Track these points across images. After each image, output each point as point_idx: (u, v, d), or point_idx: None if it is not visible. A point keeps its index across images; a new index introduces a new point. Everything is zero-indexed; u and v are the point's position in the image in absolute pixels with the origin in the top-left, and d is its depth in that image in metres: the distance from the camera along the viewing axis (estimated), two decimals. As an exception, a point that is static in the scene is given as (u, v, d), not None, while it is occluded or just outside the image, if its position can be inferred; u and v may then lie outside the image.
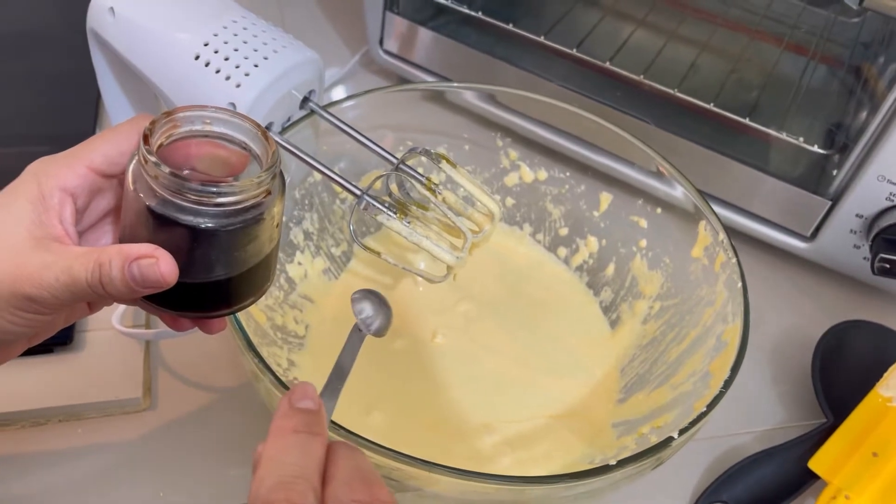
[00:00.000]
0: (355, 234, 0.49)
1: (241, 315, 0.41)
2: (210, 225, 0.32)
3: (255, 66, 0.46)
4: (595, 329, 0.56)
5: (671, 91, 0.63)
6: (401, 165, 0.49)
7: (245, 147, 0.35)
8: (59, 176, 0.34)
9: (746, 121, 0.61)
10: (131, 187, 0.33)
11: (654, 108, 0.64)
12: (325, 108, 0.50)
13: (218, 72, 0.46)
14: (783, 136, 0.60)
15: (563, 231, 0.59)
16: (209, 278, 0.34)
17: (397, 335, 0.54)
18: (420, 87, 0.57)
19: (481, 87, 0.57)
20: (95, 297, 0.33)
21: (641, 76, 0.64)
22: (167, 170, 0.31)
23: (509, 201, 0.60)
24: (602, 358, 0.54)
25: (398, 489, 0.41)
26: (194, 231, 0.32)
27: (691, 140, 0.62)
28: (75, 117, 0.66)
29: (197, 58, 0.46)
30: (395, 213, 0.45)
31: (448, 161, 0.49)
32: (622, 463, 0.38)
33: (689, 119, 0.64)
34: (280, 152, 0.35)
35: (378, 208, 0.45)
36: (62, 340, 0.51)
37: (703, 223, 0.50)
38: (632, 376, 0.52)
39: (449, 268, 0.47)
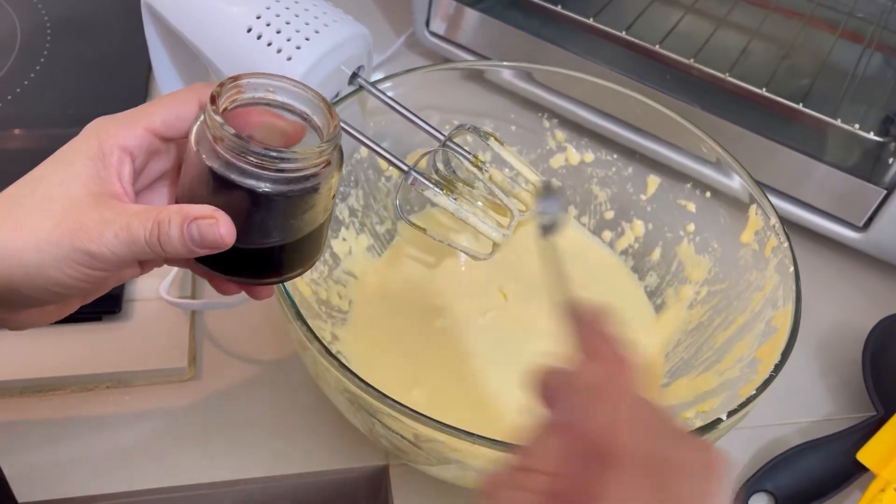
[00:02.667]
0: (401, 209, 0.49)
1: (288, 285, 0.41)
2: (269, 190, 0.33)
3: (307, 39, 0.47)
4: (639, 313, 0.55)
5: (722, 76, 0.62)
6: (448, 142, 0.49)
7: (306, 118, 0.35)
8: (118, 135, 0.34)
9: (800, 106, 0.60)
10: (194, 148, 0.33)
11: (702, 93, 0.63)
12: (372, 84, 0.50)
13: (269, 45, 0.46)
14: (838, 122, 0.59)
15: (609, 214, 0.59)
16: (263, 244, 0.35)
17: (439, 314, 0.54)
18: (461, 66, 0.56)
19: (524, 66, 0.56)
20: (152, 255, 0.33)
21: (691, 60, 0.63)
22: (232, 131, 0.32)
23: (554, 183, 0.59)
24: (646, 342, 0.53)
25: (440, 461, 0.41)
26: (253, 195, 0.32)
27: (741, 125, 0.61)
28: (126, 99, 0.67)
29: (249, 30, 0.46)
30: (441, 190, 0.45)
31: (496, 139, 0.49)
32: (669, 443, 0.37)
33: (738, 105, 0.63)
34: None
35: (425, 184, 0.45)
36: (111, 309, 0.52)
37: (753, 207, 0.49)
38: (676, 361, 0.51)
39: (494, 245, 0.47)
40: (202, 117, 0.33)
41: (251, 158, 0.32)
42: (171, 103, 0.35)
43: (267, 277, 0.37)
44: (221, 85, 0.34)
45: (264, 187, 0.32)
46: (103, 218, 0.32)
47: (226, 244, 0.33)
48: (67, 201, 0.33)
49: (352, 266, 0.54)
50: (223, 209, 0.33)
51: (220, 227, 0.32)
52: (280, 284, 0.41)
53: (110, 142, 0.34)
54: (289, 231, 0.35)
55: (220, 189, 0.33)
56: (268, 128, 0.36)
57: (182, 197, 0.35)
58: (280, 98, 0.35)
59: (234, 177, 0.32)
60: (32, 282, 0.33)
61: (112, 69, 0.70)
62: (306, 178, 0.33)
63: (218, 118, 0.32)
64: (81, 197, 0.33)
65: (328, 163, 0.34)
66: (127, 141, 0.34)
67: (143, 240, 0.32)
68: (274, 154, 0.32)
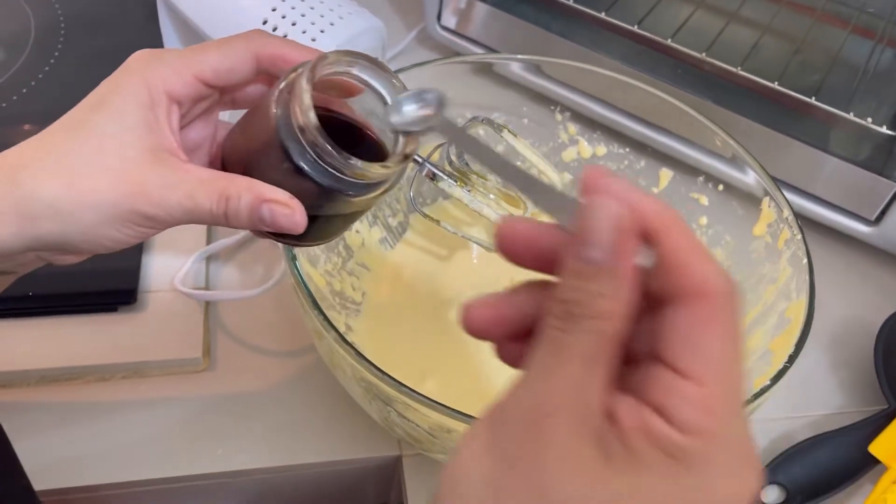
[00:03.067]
0: (414, 201, 0.49)
1: (304, 276, 0.42)
2: (336, 186, 0.32)
3: (322, 31, 0.47)
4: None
5: (734, 69, 0.62)
6: (462, 134, 0.49)
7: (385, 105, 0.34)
8: (168, 80, 0.32)
9: (812, 100, 0.60)
10: (271, 121, 0.32)
11: (713, 87, 0.63)
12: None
13: (285, 37, 0.47)
14: (850, 116, 0.59)
15: (621, 207, 0.59)
16: (314, 217, 0.34)
17: (451, 306, 0.54)
18: (471, 59, 0.56)
19: (534, 59, 0.56)
20: (212, 223, 0.33)
21: (703, 54, 0.63)
22: (328, 145, 0.31)
23: (567, 177, 0.60)
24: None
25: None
26: (319, 186, 0.32)
27: (752, 119, 0.61)
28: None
29: (265, 22, 0.47)
30: (455, 181, 0.46)
31: (509, 131, 0.49)
32: (683, 432, 0.37)
33: (749, 99, 0.63)
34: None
35: (439, 175, 0.46)
36: (126, 300, 0.53)
37: (766, 200, 0.49)
38: (688, 354, 0.51)
39: (508, 237, 0.47)
40: (282, 86, 0.32)
41: (332, 163, 0.31)
42: (226, 53, 0.34)
43: (306, 242, 0.37)
44: (314, 68, 0.31)
45: (332, 184, 0.32)
46: (166, 182, 0.31)
47: (298, 232, 0.33)
48: (124, 158, 0.31)
49: (365, 258, 0.55)
50: (283, 184, 0.32)
51: (295, 216, 0.32)
52: (297, 275, 0.41)
53: (160, 88, 0.32)
54: (339, 214, 0.35)
55: (286, 168, 0.32)
56: (336, 87, 0.34)
57: (237, 152, 0.34)
58: (367, 78, 0.34)
59: (308, 168, 0.32)
60: (85, 238, 0.32)
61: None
62: (374, 184, 0.33)
63: (313, 120, 0.31)
64: (138, 154, 0.32)
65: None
66: (176, 88, 0.33)
67: (208, 212, 0.32)
68: (358, 167, 0.31)
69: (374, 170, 0.32)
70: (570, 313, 0.21)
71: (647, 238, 0.22)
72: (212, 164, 0.38)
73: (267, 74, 0.35)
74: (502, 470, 0.21)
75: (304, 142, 0.31)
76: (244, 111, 0.36)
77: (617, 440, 0.21)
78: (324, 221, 0.35)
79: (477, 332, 0.25)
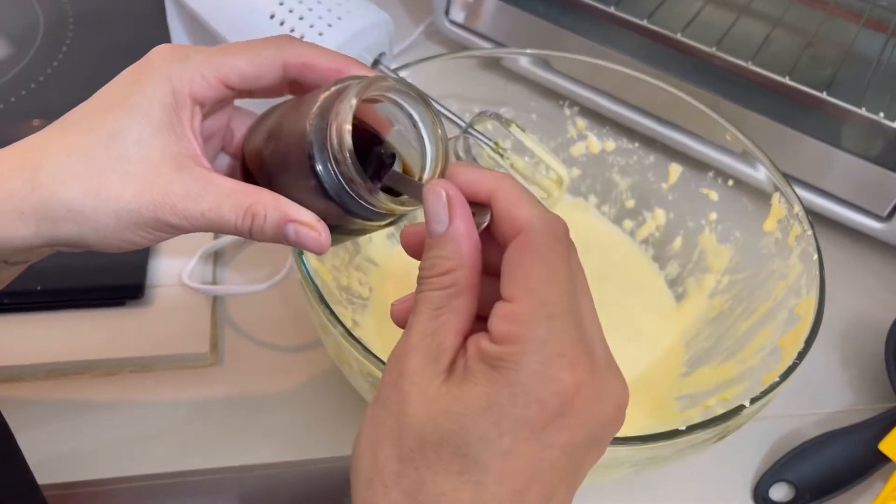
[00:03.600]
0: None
1: (311, 272, 0.41)
2: (359, 213, 0.32)
3: (329, 25, 0.47)
4: (659, 303, 0.55)
5: (744, 64, 0.61)
6: (469, 129, 0.49)
7: (416, 131, 0.34)
8: (193, 82, 0.32)
9: (823, 95, 0.59)
10: (306, 138, 0.31)
11: (724, 82, 0.63)
12: (394, 71, 0.50)
13: (292, 31, 0.47)
14: (862, 111, 0.58)
15: (630, 203, 0.59)
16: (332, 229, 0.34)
17: (459, 301, 0.54)
18: (478, 54, 0.56)
19: (542, 53, 0.56)
20: (234, 234, 0.32)
21: (713, 48, 0.63)
22: (362, 181, 0.31)
23: (575, 172, 0.59)
24: (666, 331, 0.53)
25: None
26: (344, 209, 0.32)
27: (763, 114, 0.61)
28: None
29: (272, 17, 0.47)
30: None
31: (517, 125, 0.49)
32: (691, 428, 0.37)
33: (760, 94, 0.62)
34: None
35: (447, 170, 0.45)
36: (133, 295, 0.53)
37: (776, 195, 0.49)
38: (697, 350, 0.51)
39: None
40: (318, 106, 0.31)
41: (361, 194, 0.31)
42: (254, 59, 0.33)
43: None
44: (359, 93, 0.30)
45: (356, 210, 0.32)
46: (190, 193, 0.31)
47: (322, 253, 0.33)
48: (147, 165, 0.31)
49: (372, 253, 0.54)
50: (307, 202, 0.32)
51: (321, 238, 0.32)
52: (304, 270, 0.41)
53: (184, 91, 0.32)
54: (355, 230, 0.35)
55: (313, 189, 0.32)
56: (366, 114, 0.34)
57: (262, 157, 0.34)
58: (401, 101, 0.33)
59: (335, 195, 0.31)
60: (104, 240, 0.32)
61: (133, 59, 0.70)
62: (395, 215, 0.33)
63: (349, 155, 0.30)
64: (162, 161, 0.31)
65: None
66: (200, 91, 0.32)
67: (232, 225, 0.32)
68: (383, 202, 0.31)
69: (398, 206, 0.32)
70: (422, 278, 0.27)
71: (485, 202, 0.27)
72: (229, 153, 0.38)
73: (290, 82, 0.35)
74: (377, 407, 0.27)
75: (336, 171, 0.31)
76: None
77: (462, 367, 0.25)
78: (338, 233, 0.35)
79: (402, 323, 0.30)
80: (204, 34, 0.51)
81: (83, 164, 0.31)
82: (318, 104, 0.31)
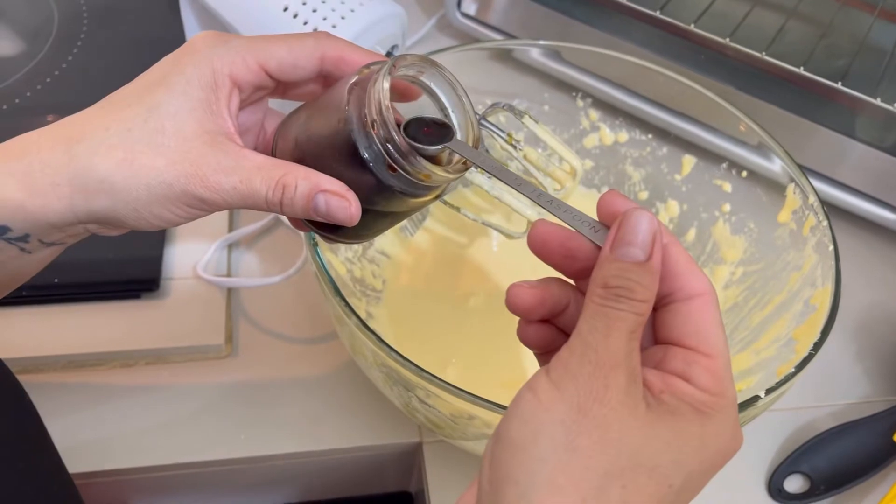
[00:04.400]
0: (435, 188, 0.49)
1: (325, 263, 0.42)
2: (395, 185, 0.32)
3: (342, 18, 0.47)
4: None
5: (759, 55, 0.61)
6: (482, 121, 0.49)
7: (445, 117, 0.35)
8: (234, 65, 0.32)
9: (838, 85, 0.59)
10: (343, 106, 0.31)
11: (737, 74, 0.63)
12: (408, 62, 0.50)
13: (305, 23, 0.47)
14: (877, 101, 0.58)
15: (643, 195, 0.58)
16: (364, 211, 0.34)
17: (472, 294, 0.54)
18: (490, 46, 0.56)
19: (552, 45, 0.56)
20: (266, 209, 0.33)
21: (727, 39, 0.62)
22: (403, 141, 0.31)
23: (588, 164, 0.59)
24: (679, 323, 0.53)
25: (475, 437, 0.42)
26: (378, 182, 0.32)
27: (777, 105, 0.60)
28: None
29: (285, 10, 0.47)
30: (476, 168, 0.45)
31: (530, 117, 0.49)
32: (706, 419, 0.37)
33: (774, 85, 0.62)
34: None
35: (460, 161, 0.45)
36: (149, 287, 0.53)
37: (791, 186, 0.49)
38: (711, 342, 0.51)
39: (528, 223, 0.47)
40: (355, 80, 0.32)
41: (399, 160, 0.31)
42: (294, 48, 0.34)
43: (349, 239, 0.37)
44: (394, 66, 0.32)
45: (393, 182, 0.32)
46: (221, 166, 0.31)
47: (353, 224, 0.33)
48: (181, 138, 0.31)
49: (385, 246, 0.55)
50: (342, 176, 0.32)
51: (351, 209, 0.32)
52: (319, 262, 0.41)
53: (224, 71, 0.32)
54: (388, 212, 0.35)
55: (349, 161, 0.32)
56: (397, 91, 0.35)
57: (293, 142, 0.34)
58: (433, 86, 0.34)
59: (372, 163, 0.31)
60: (136, 214, 0.32)
61: (147, 54, 0.70)
62: (430, 187, 0.33)
63: (391, 115, 0.31)
64: (196, 135, 0.32)
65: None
66: (240, 74, 0.33)
67: (263, 198, 0.32)
68: (423, 167, 0.32)
69: (437, 172, 0.32)
70: (618, 295, 0.27)
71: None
72: (261, 150, 0.38)
73: (325, 75, 0.35)
74: (575, 414, 0.25)
75: (374, 134, 0.31)
76: (292, 102, 0.36)
77: (652, 398, 0.26)
78: (371, 218, 0.35)
79: (520, 310, 0.31)
80: (217, 28, 0.52)
81: (119, 136, 0.31)
82: (355, 77, 0.32)
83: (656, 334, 0.28)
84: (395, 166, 0.32)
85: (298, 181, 0.32)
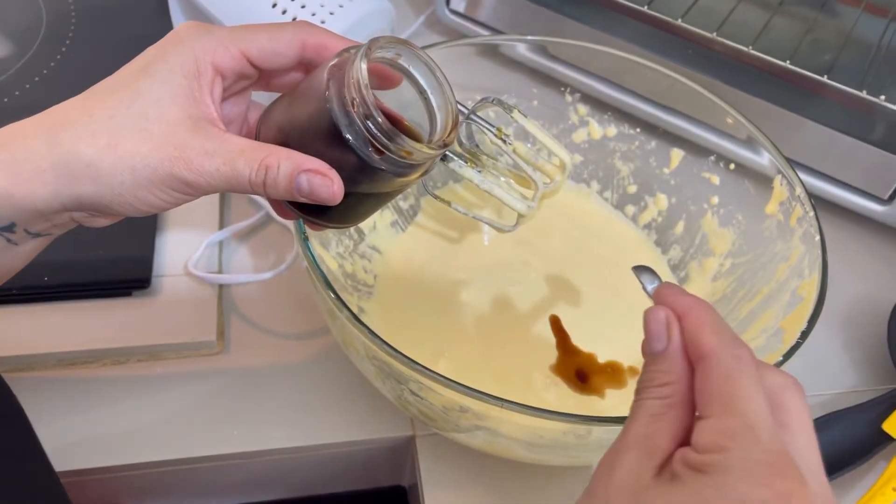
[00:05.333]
0: (425, 183, 0.49)
1: (316, 258, 0.42)
2: (378, 165, 0.33)
3: (331, 13, 0.47)
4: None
5: (745, 49, 0.62)
6: (471, 115, 0.49)
7: (424, 98, 0.35)
8: (216, 53, 0.33)
9: (824, 79, 0.60)
10: (323, 88, 0.32)
11: (724, 68, 0.63)
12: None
13: (294, 19, 0.47)
14: (863, 94, 0.59)
15: (632, 188, 0.59)
16: (347, 200, 0.35)
17: (463, 288, 0.54)
18: (476, 41, 0.56)
19: (539, 40, 0.56)
20: (250, 191, 0.33)
21: (714, 34, 0.63)
22: (382, 119, 0.31)
23: (577, 158, 0.60)
24: (669, 315, 0.54)
25: (468, 429, 0.42)
26: (361, 162, 0.33)
27: (764, 99, 0.61)
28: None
29: (274, 6, 0.47)
30: (465, 162, 0.46)
31: (520, 111, 0.49)
32: (696, 407, 0.37)
33: (761, 80, 0.63)
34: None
35: (450, 156, 0.46)
36: (140, 284, 0.53)
37: (778, 178, 0.49)
38: (700, 333, 0.51)
39: (519, 217, 0.47)
40: (334, 62, 0.33)
41: (380, 138, 0.32)
42: (275, 37, 0.34)
43: (335, 223, 0.38)
44: (371, 49, 0.32)
45: (375, 160, 0.33)
46: (205, 149, 0.32)
47: (335, 203, 0.33)
48: (165, 123, 0.32)
49: (376, 241, 0.55)
50: (325, 156, 0.33)
51: (333, 187, 0.33)
52: (309, 256, 0.41)
53: (207, 59, 0.33)
54: (372, 194, 0.35)
55: (332, 141, 0.32)
56: (377, 76, 0.36)
57: (276, 127, 0.35)
58: (416, 74, 0.35)
59: (354, 141, 0.32)
60: (121, 199, 0.32)
61: (136, 53, 0.70)
62: (413, 165, 0.34)
63: (370, 94, 0.31)
64: (179, 120, 0.32)
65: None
66: (223, 62, 0.33)
67: (247, 179, 0.32)
68: (404, 144, 0.32)
69: (419, 149, 0.33)
70: (641, 388, 0.29)
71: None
72: None
73: (306, 64, 0.36)
74: (585, 498, 0.28)
75: (355, 115, 0.32)
76: (275, 94, 0.37)
77: (670, 472, 0.26)
78: (356, 200, 0.35)
79: None
80: (203, 18, 0.52)
81: (103, 123, 0.32)
82: (334, 60, 0.33)
83: None
84: (377, 144, 0.32)
85: (281, 161, 0.32)
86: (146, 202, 0.33)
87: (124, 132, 0.32)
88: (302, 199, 0.33)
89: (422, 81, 0.35)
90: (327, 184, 0.33)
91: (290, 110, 0.34)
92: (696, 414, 0.27)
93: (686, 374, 0.28)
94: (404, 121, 0.37)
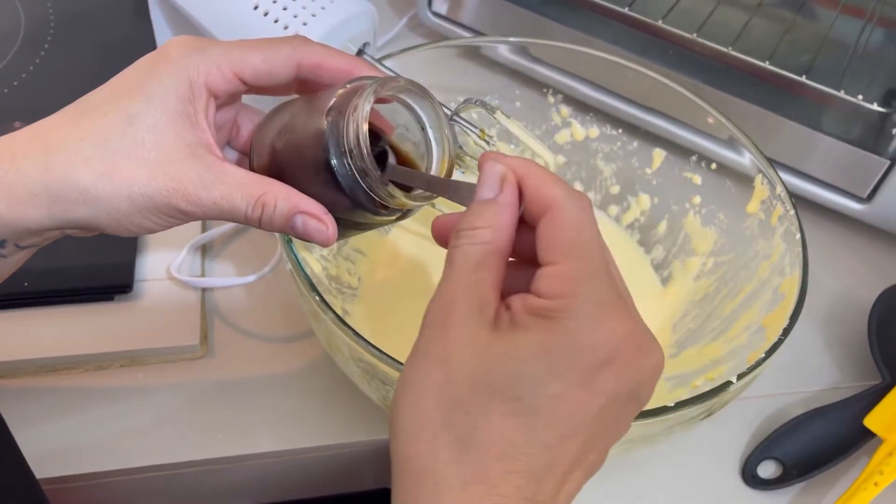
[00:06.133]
0: (409, 185, 0.49)
1: (300, 260, 0.42)
2: (369, 208, 0.33)
3: (313, 15, 0.47)
4: (646, 286, 0.56)
5: (725, 49, 0.62)
6: (455, 117, 0.49)
7: (422, 130, 0.35)
8: (209, 74, 0.33)
9: (803, 79, 0.60)
10: (322, 129, 0.32)
11: (705, 69, 0.64)
12: (378, 60, 0.50)
13: (276, 21, 0.47)
14: (841, 94, 0.59)
15: (615, 189, 0.59)
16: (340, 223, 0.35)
17: (448, 289, 0.54)
18: (457, 43, 0.56)
19: (520, 41, 0.56)
20: (244, 223, 0.33)
21: (694, 35, 0.63)
22: (377, 175, 0.32)
23: (560, 159, 0.60)
24: (652, 314, 0.54)
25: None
26: (353, 201, 0.33)
27: (744, 99, 0.62)
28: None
29: (255, 7, 0.47)
30: (449, 163, 0.46)
31: (503, 113, 0.49)
32: (680, 405, 0.38)
33: (741, 80, 0.63)
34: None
35: (433, 157, 0.46)
36: (122, 289, 0.53)
37: (759, 177, 0.50)
38: (684, 332, 0.52)
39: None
40: (333, 103, 0.32)
41: (373, 187, 0.32)
42: (269, 57, 0.34)
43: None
44: (375, 91, 0.32)
45: (366, 204, 0.33)
46: (203, 180, 0.32)
47: (328, 246, 0.34)
48: (162, 151, 0.32)
49: (360, 244, 0.55)
50: (315, 192, 0.33)
51: (328, 232, 0.33)
52: (293, 258, 0.41)
53: (200, 81, 0.32)
54: (360, 223, 0.36)
55: (324, 181, 0.32)
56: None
57: (271, 152, 0.34)
58: (411, 103, 0.34)
59: (346, 187, 0.32)
60: (117, 223, 0.32)
61: (116, 57, 0.70)
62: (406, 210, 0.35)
63: (366, 148, 0.31)
64: (177, 148, 0.32)
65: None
66: (216, 84, 0.33)
67: (243, 213, 0.32)
68: (395, 197, 0.32)
69: (410, 203, 0.33)
70: (457, 234, 0.28)
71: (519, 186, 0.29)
72: (236, 147, 0.39)
73: (301, 80, 0.35)
74: (417, 360, 0.27)
75: (351, 163, 0.32)
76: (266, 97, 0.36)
77: (508, 319, 0.27)
78: (344, 229, 0.36)
79: (443, 240, 0.32)
80: (188, 28, 0.51)
81: (97, 147, 0.31)
82: (333, 100, 0.32)
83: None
84: (371, 194, 0.32)
85: (278, 201, 0.32)
86: (140, 226, 0.33)
87: (119, 159, 0.31)
88: (295, 237, 0.34)
89: (422, 115, 0.35)
90: (322, 229, 0.33)
91: (286, 139, 0.34)
92: (537, 262, 0.27)
93: (509, 224, 0.28)
94: (395, 135, 0.36)
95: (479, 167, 0.30)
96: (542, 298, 0.26)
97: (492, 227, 0.28)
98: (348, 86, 0.33)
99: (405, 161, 0.36)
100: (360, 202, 0.33)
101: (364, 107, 0.31)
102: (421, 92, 0.34)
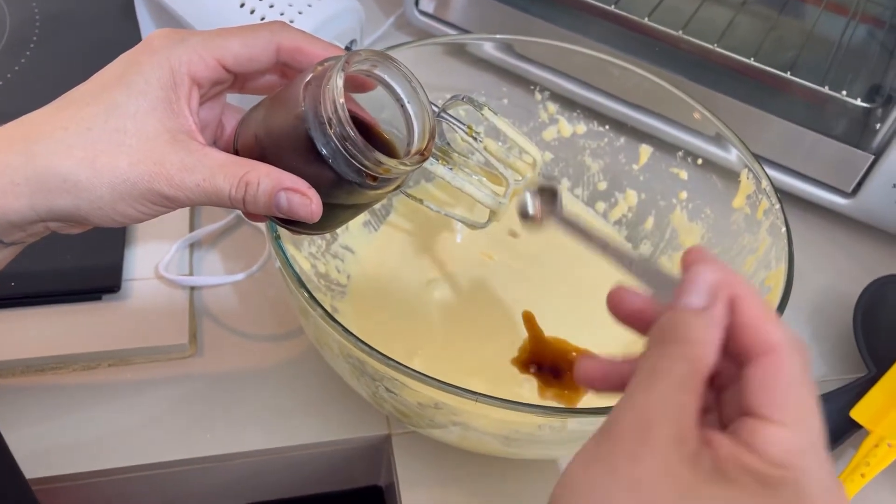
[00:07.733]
0: (397, 182, 0.49)
1: (289, 258, 0.42)
2: (354, 179, 0.33)
3: (299, 13, 0.47)
4: (634, 282, 0.56)
5: (711, 46, 0.63)
6: (442, 113, 0.49)
7: (401, 106, 0.36)
8: (192, 63, 0.33)
9: (788, 75, 0.61)
10: (300, 103, 0.32)
11: (690, 66, 0.64)
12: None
13: (263, 19, 0.47)
14: (825, 89, 0.60)
15: (602, 185, 0.59)
16: (325, 208, 0.35)
17: (437, 285, 0.54)
18: (443, 41, 0.56)
19: (505, 38, 0.56)
20: (229, 206, 0.33)
21: (680, 32, 0.64)
22: (360, 139, 0.32)
23: (547, 156, 0.60)
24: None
25: (442, 424, 0.42)
26: (338, 176, 0.33)
27: (729, 96, 0.62)
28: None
29: (242, 5, 0.47)
30: (437, 160, 0.46)
31: (490, 109, 0.49)
32: (668, 397, 0.38)
33: (726, 77, 0.64)
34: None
35: (421, 154, 0.46)
36: (110, 288, 0.52)
37: (745, 171, 0.50)
38: (672, 326, 0.52)
39: (491, 214, 0.48)
40: (310, 77, 0.33)
41: (356, 155, 0.32)
42: (249, 41, 0.34)
43: (311, 231, 0.38)
44: (350, 62, 0.32)
45: (351, 175, 0.33)
46: (185, 164, 0.32)
47: (313, 221, 0.33)
48: (143, 138, 0.32)
49: (349, 241, 0.55)
50: (301, 171, 0.33)
51: (312, 206, 0.33)
52: (282, 255, 0.41)
53: (182, 70, 0.33)
54: (349, 205, 0.36)
55: (308, 157, 0.32)
56: (352, 83, 0.35)
57: (254, 138, 0.35)
58: (396, 86, 0.35)
59: (330, 158, 0.32)
60: (100, 212, 0.32)
61: (102, 57, 0.68)
62: (389, 179, 0.34)
63: (346, 113, 0.31)
64: (158, 134, 0.32)
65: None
66: (199, 72, 0.33)
67: (226, 195, 0.32)
68: (380, 161, 0.32)
69: (395, 166, 0.33)
70: (663, 339, 0.25)
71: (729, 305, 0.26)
72: (220, 146, 0.39)
73: (282, 66, 0.36)
74: (606, 474, 0.23)
75: (331, 132, 0.32)
76: (250, 95, 0.37)
77: (711, 462, 0.23)
78: (332, 210, 0.36)
79: (588, 383, 0.29)
80: (174, 26, 0.51)
81: (79, 136, 0.31)
82: (309, 75, 0.33)
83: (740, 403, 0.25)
84: (354, 162, 0.33)
85: (261, 179, 0.32)
86: (124, 214, 0.33)
87: (101, 146, 0.31)
88: (281, 216, 0.34)
89: (398, 90, 0.35)
90: (306, 203, 0.33)
91: (267, 122, 0.34)
92: (748, 411, 0.24)
93: (719, 346, 0.25)
94: (379, 127, 0.37)
95: (686, 265, 0.27)
96: (763, 461, 0.23)
97: (702, 344, 0.25)
98: (325, 63, 0.34)
99: (394, 153, 0.36)
100: (344, 174, 0.33)
101: (338, 74, 0.31)
102: (393, 65, 0.34)
